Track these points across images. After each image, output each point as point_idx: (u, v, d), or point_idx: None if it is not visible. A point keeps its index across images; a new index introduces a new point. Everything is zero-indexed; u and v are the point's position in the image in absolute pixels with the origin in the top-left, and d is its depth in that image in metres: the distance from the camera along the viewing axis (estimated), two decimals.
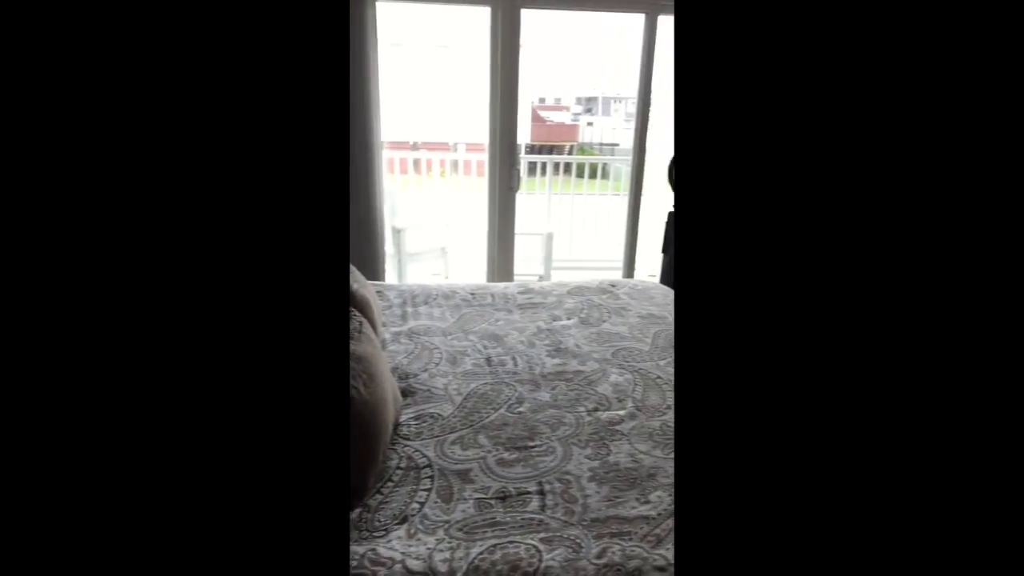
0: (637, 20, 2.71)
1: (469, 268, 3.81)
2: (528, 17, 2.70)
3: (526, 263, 3.65)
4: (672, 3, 2.68)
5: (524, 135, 8.63)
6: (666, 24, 2.74)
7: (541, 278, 3.58)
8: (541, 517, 0.90)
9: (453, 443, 1.09)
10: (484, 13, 2.62)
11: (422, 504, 0.93)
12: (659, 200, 3.27)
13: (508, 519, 0.90)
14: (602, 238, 4.14)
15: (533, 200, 4.32)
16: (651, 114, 2.91)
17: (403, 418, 1.17)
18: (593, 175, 4.43)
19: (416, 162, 4.71)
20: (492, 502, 0.94)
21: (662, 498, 0.95)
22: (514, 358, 1.44)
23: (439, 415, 1.18)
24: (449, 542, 0.84)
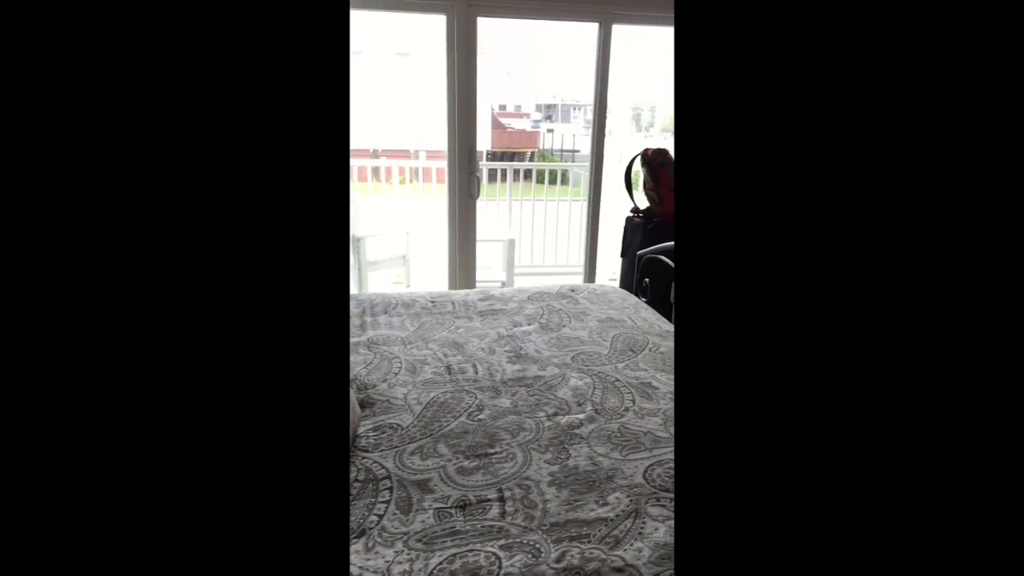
0: (592, 29, 2.76)
1: (430, 276, 3.79)
2: (487, 25, 2.72)
3: (488, 270, 3.66)
4: (625, 13, 2.74)
5: (485, 142, 8.65)
6: (619, 32, 2.80)
7: (503, 284, 3.59)
8: (501, 524, 0.90)
9: (412, 453, 1.08)
10: (441, 21, 2.63)
11: (380, 516, 0.91)
12: (618, 205, 3.32)
13: (468, 527, 0.89)
14: (563, 243, 4.19)
15: (495, 206, 4.34)
16: (608, 120, 2.96)
17: (361, 430, 1.15)
18: (553, 181, 4.48)
19: (376, 170, 4.67)
20: (452, 511, 0.93)
21: (620, 499, 0.96)
22: (474, 365, 1.44)
23: (398, 425, 1.17)
24: (408, 554, 0.83)
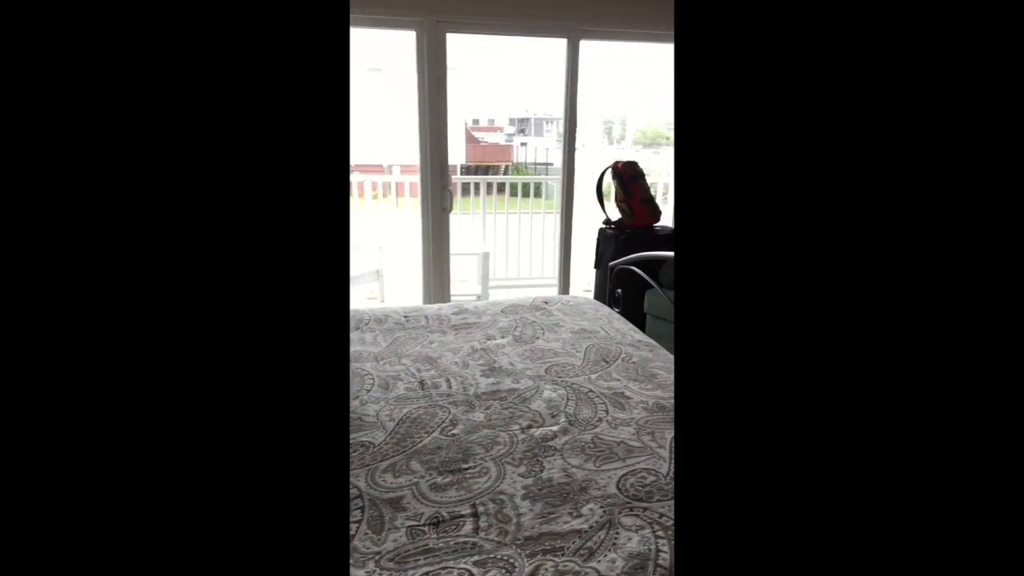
0: (560, 45, 2.80)
1: (405, 290, 3.77)
2: (461, 40, 2.74)
3: (463, 283, 3.66)
4: (592, 29, 2.79)
5: (459, 156, 8.66)
6: (590, 48, 2.85)
7: (479, 297, 3.58)
8: (475, 540, 0.90)
9: (385, 471, 1.07)
10: (411, 37, 2.64)
11: (351, 536, 0.90)
12: (592, 217, 3.36)
13: (441, 545, 0.88)
14: (538, 255, 4.21)
15: (469, 220, 4.35)
16: (580, 134, 3.00)
17: None
18: (527, 194, 4.51)
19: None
20: (425, 529, 0.92)
21: (594, 511, 0.96)
22: (448, 380, 1.44)
23: (370, 443, 1.15)
24: (380, 574, 0.82)
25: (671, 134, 3.31)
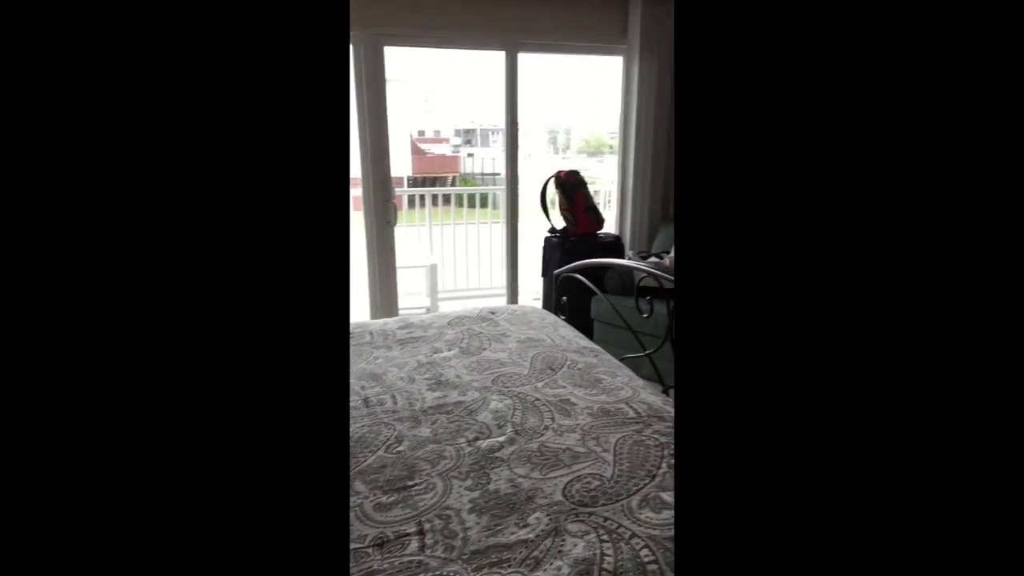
0: (499, 57, 2.83)
1: (352, 306, 3.69)
2: (403, 53, 2.73)
3: (412, 296, 3.62)
4: (529, 42, 2.83)
5: (405, 168, 8.60)
6: (534, 60, 2.89)
7: (428, 310, 3.55)
8: (420, 558, 0.88)
9: None
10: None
11: None
12: (541, 225, 3.39)
13: (386, 566, 0.87)
14: (487, 265, 4.21)
15: (416, 232, 4.31)
16: (526, 143, 3.04)
17: None
18: (473, 204, 4.51)
19: None
20: (369, 551, 0.90)
21: (540, 519, 0.96)
22: (393, 396, 1.41)
23: None
24: None
25: (614, 143, 3.40)
